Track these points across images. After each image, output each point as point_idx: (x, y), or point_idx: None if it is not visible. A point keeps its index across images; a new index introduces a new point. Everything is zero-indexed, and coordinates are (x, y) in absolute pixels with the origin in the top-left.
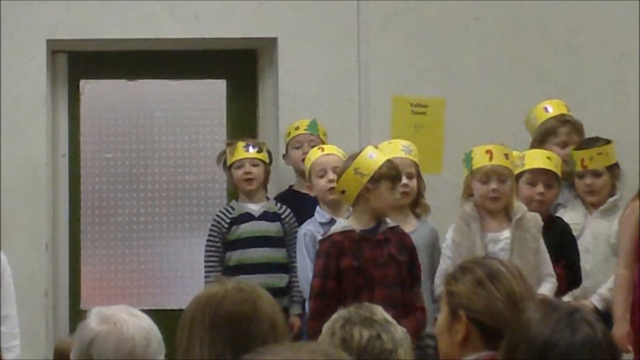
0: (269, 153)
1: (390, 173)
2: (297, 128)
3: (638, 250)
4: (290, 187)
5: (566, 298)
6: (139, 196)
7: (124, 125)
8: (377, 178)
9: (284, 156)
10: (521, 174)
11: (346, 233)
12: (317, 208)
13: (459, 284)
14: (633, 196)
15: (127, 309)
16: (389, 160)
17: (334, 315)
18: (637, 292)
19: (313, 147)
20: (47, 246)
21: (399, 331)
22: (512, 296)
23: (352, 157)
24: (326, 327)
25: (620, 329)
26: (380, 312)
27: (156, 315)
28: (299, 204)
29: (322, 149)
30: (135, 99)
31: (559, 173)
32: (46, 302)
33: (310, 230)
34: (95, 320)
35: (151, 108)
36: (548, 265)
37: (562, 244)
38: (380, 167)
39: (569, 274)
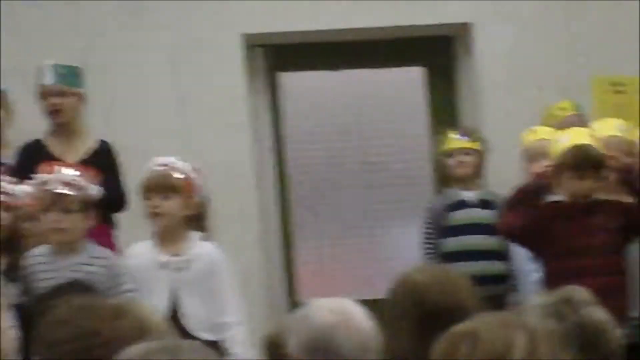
0: (484, 141)
1: (571, 162)
2: (563, 109)
3: None
4: None
5: None
6: (345, 185)
7: (325, 116)
8: (559, 165)
9: None
10: None
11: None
12: None
13: None
14: None
15: (348, 300)
16: (575, 147)
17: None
18: None
19: None
20: (259, 239)
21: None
22: None
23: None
24: (540, 304)
25: None
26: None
27: (372, 306)
28: None
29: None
30: (333, 89)
31: None
32: (267, 296)
33: None
34: (322, 311)
35: (351, 98)
36: None
37: None
38: (562, 155)
39: None
